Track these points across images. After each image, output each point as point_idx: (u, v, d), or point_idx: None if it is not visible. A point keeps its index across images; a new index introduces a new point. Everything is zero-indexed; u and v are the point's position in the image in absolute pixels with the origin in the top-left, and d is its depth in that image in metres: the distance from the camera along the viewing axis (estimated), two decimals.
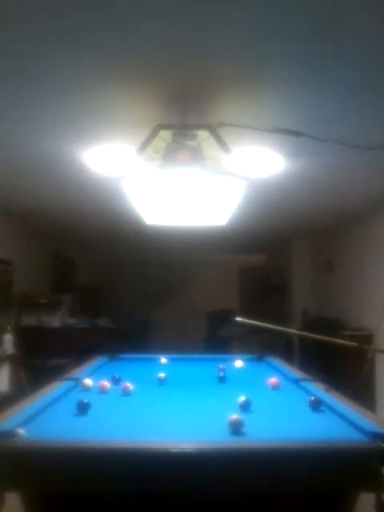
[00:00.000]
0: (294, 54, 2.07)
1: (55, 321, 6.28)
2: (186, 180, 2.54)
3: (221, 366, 3.18)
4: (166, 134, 2.61)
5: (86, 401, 2.14)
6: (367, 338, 5.31)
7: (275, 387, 2.71)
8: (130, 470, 1.53)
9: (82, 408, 2.11)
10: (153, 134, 2.58)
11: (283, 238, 7.80)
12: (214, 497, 1.59)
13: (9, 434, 1.68)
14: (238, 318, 3.03)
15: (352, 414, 2.00)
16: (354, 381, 4.78)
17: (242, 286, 10.79)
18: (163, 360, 3.81)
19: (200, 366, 3.66)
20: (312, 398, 2.27)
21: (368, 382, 5.12)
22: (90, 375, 2.96)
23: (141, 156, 2.80)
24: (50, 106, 2.61)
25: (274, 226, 6.73)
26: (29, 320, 6.02)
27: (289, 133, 2.90)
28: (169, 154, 2.60)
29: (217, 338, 8.62)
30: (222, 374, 2.97)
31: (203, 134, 2.61)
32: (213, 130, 2.59)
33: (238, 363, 3.59)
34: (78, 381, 2.73)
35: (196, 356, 4.18)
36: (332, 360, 5.55)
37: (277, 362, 3.66)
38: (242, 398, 2.16)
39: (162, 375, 2.88)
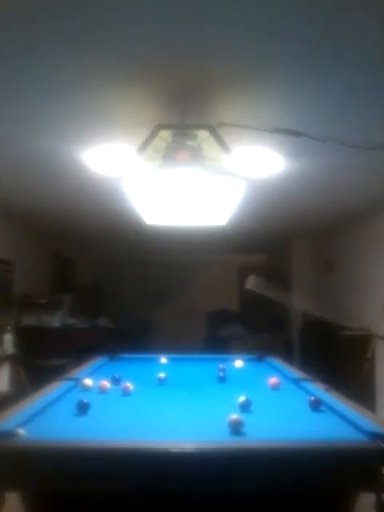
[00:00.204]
0: (294, 53, 2.07)
1: (55, 321, 6.28)
2: (185, 180, 2.54)
3: (221, 366, 3.18)
4: (165, 134, 2.61)
5: (85, 401, 2.14)
6: (367, 338, 5.31)
7: (275, 387, 2.71)
8: (129, 470, 1.53)
9: (82, 408, 2.11)
10: (153, 134, 2.58)
11: (283, 237, 7.80)
12: (214, 497, 1.59)
13: (9, 434, 1.68)
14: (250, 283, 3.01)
15: (352, 414, 2.00)
16: (354, 381, 4.79)
17: (242, 286, 10.78)
18: (163, 360, 3.82)
19: (200, 366, 3.66)
20: (312, 398, 2.27)
21: (368, 382, 5.12)
22: (90, 375, 2.96)
23: (141, 156, 2.80)
24: (49, 106, 2.61)
25: (274, 226, 6.73)
26: (29, 320, 6.02)
27: (289, 133, 2.90)
28: (169, 154, 2.60)
29: (217, 337, 8.61)
30: (221, 373, 2.98)
31: (203, 134, 2.61)
32: (213, 130, 2.59)
33: (238, 363, 3.59)
34: (77, 381, 2.74)
35: (196, 356, 4.19)
36: (332, 360, 5.56)
37: (277, 361, 3.66)
38: (242, 398, 2.16)
39: (162, 375, 2.88)
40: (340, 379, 4.49)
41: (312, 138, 2.98)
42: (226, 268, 10.71)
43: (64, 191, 4.62)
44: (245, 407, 2.13)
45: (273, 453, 1.56)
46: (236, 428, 1.79)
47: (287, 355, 6.52)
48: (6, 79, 2.30)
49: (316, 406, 2.21)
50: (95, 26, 1.88)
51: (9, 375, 4.88)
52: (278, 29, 1.89)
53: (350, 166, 3.71)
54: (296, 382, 2.82)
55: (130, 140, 3.04)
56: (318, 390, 2.50)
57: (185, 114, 2.55)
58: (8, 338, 4.94)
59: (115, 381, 2.74)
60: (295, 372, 3.18)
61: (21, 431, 1.72)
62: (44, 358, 5.72)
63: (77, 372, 3.11)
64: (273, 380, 2.75)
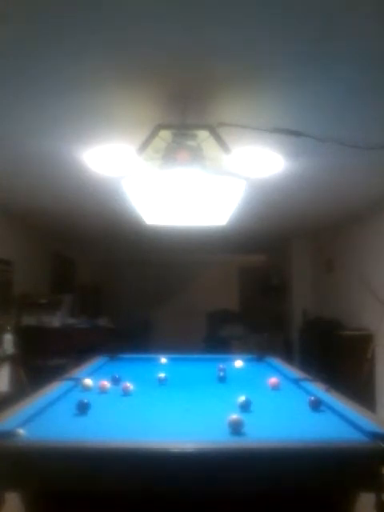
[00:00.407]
0: (294, 53, 2.07)
1: (55, 321, 6.28)
2: (185, 180, 2.54)
3: (221, 365, 3.18)
4: (165, 134, 2.61)
5: (86, 401, 2.14)
6: (367, 338, 5.31)
7: (275, 387, 2.71)
8: (130, 470, 1.53)
9: (82, 408, 2.11)
10: (153, 134, 2.58)
11: (283, 237, 7.80)
12: (214, 497, 1.59)
13: (9, 434, 1.68)
14: None
15: (352, 414, 2.00)
16: (354, 381, 4.79)
17: (241, 286, 10.79)
18: (163, 360, 3.81)
19: (200, 366, 3.66)
20: (312, 398, 2.27)
21: (368, 382, 5.12)
22: (90, 375, 2.96)
23: (141, 156, 2.80)
24: (50, 106, 2.61)
25: (274, 226, 6.73)
26: (29, 320, 6.02)
27: (289, 133, 2.90)
28: (169, 154, 2.60)
29: (217, 337, 8.61)
30: (222, 373, 2.97)
31: (203, 134, 2.61)
32: (213, 130, 2.59)
33: (238, 363, 3.59)
34: (78, 381, 2.73)
35: (196, 356, 4.18)
36: (332, 360, 5.56)
37: (277, 361, 3.66)
38: (242, 398, 2.16)
39: (162, 375, 2.88)
40: (340, 379, 4.50)
41: (312, 138, 2.98)
42: (226, 268, 10.72)
43: (64, 191, 4.62)
44: (245, 407, 2.13)
45: (273, 453, 1.56)
46: (236, 428, 1.79)
47: (287, 355, 6.52)
48: (6, 79, 2.30)
49: (316, 405, 2.21)
50: (95, 26, 1.88)
51: (9, 375, 4.88)
52: (278, 29, 1.89)
53: (350, 166, 3.71)
54: (296, 381, 2.82)
55: (130, 140, 3.04)
56: (318, 390, 2.50)
57: (185, 113, 2.55)
58: (8, 337, 4.93)
59: (115, 381, 2.74)
60: (295, 372, 3.17)
61: (21, 431, 1.72)
62: (44, 358, 5.72)
63: (77, 372, 3.11)
64: (273, 380, 2.75)
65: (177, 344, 6.13)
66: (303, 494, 1.61)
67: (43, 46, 2.00)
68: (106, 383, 2.62)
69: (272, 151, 3.35)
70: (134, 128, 2.86)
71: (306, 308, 7.54)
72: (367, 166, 3.69)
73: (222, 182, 2.63)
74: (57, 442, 1.62)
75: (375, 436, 1.69)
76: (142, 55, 2.09)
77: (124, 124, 2.86)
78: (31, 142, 3.18)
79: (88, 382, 2.66)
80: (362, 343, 5.28)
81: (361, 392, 4.20)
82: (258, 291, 9.48)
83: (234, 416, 1.83)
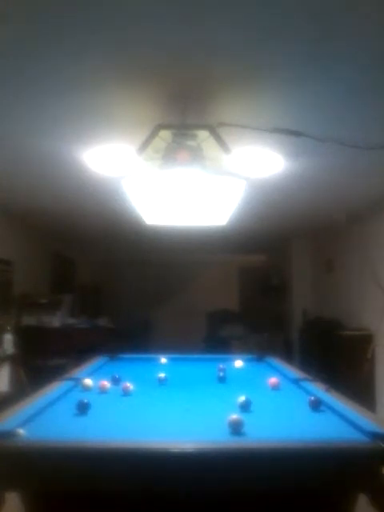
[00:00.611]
0: (294, 53, 2.07)
1: (55, 321, 6.28)
2: (186, 180, 2.54)
3: (221, 366, 3.18)
4: (166, 134, 2.61)
5: (86, 401, 2.14)
6: (367, 338, 5.31)
7: (275, 387, 2.71)
8: (129, 470, 1.53)
9: (82, 408, 2.11)
10: (153, 134, 2.58)
11: (283, 237, 7.80)
12: (214, 497, 1.59)
13: (9, 434, 1.68)
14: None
15: (352, 414, 2.00)
16: (354, 381, 4.79)
17: (241, 286, 10.79)
18: (163, 360, 3.81)
19: (200, 366, 3.66)
20: (312, 398, 2.27)
21: (368, 382, 5.12)
22: (90, 375, 2.96)
23: (141, 156, 2.80)
24: (50, 106, 2.61)
25: (274, 226, 6.73)
26: (29, 320, 6.02)
27: (289, 133, 2.90)
28: (169, 154, 2.60)
29: (217, 337, 8.61)
30: (221, 373, 2.97)
31: (203, 134, 2.61)
32: (213, 130, 2.59)
33: (238, 363, 3.59)
34: (78, 381, 2.73)
35: (196, 356, 4.18)
36: (332, 360, 5.56)
37: (277, 361, 3.66)
38: (242, 398, 2.16)
39: (162, 375, 2.88)
40: (340, 379, 4.50)
41: (312, 138, 2.98)
42: (226, 268, 10.72)
43: (64, 191, 4.62)
44: (245, 407, 2.13)
45: (273, 453, 1.56)
46: (236, 428, 1.79)
47: (287, 355, 6.52)
48: (6, 79, 2.30)
49: (316, 406, 2.21)
50: (95, 26, 1.88)
51: (9, 375, 4.88)
52: (278, 29, 1.89)
53: (349, 166, 3.71)
54: (296, 381, 2.82)
55: (130, 140, 3.04)
56: (318, 390, 2.50)
57: (185, 113, 2.55)
58: (8, 337, 4.94)
59: (115, 381, 2.74)
60: (295, 372, 3.17)
61: (21, 431, 1.71)
62: (44, 358, 5.72)
63: (77, 372, 3.11)
64: (273, 380, 2.75)
65: (177, 344, 6.13)
66: (303, 494, 1.61)
67: (43, 45, 2.00)
68: (106, 383, 2.62)
69: (272, 151, 3.35)
70: (133, 128, 2.86)
71: (306, 308, 7.54)
72: (367, 165, 3.69)
73: (222, 182, 2.63)
74: (57, 442, 1.62)
75: (375, 436, 1.69)
76: (142, 55, 2.09)
77: (124, 124, 2.86)
78: (31, 141, 3.18)
79: (88, 381, 2.66)
80: (362, 343, 5.28)
81: (361, 392, 4.20)
82: (258, 291, 9.49)
83: (234, 416, 1.83)
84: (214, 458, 1.54)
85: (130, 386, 2.55)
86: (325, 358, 5.79)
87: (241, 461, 1.54)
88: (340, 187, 4.45)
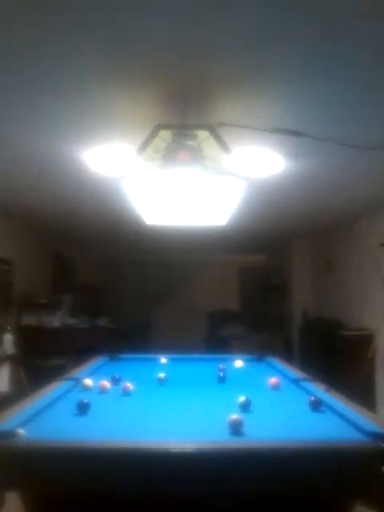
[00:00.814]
0: (294, 53, 2.07)
1: (55, 321, 6.27)
2: (186, 180, 2.54)
3: (221, 366, 3.18)
4: (165, 134, 2.61)
5: (86, 401, 2.14)
6: (367, 338, 5.31)
7: (275, 387, 2.71)
8: (130, 470, 1.53)
9: (82, 408, 2.11)
10: (153, 134, 2.58)
11: (283, 237, 7.80)
12: (214, 497, 1.59)
13: (9, 434, 1.68)
14: None
15: (352, 414, 2.00)
16: (354, 381, 4.79)
17: (241, 286, 10.79)
18: (163, 360, 3.81)
19: (200, 366, 3.66)
20: (312, 398, 2.27)
21: (368, 382, 5.12)
22: (90, 375, 2.96)
23: (141, 156, 2.80)
24: (50, 106, 2.61)
25: (274, 226, 6.73)
26: (29, 320, 6.02)
27: (289, 133, 2.90)
28: (169, 154, 2.60)
29: (217, 338, 8.62)
30: (221, 373, 2.97)
31: (203, 134, 2.61)
32: (213, 130, 2.59)
33: (238, 363, 3.59)
34: (78, 381, 2.73)
35: (196, 356, 4.18)
36: (332, 360, 5.56)
37: (277, 361, 3.66)
38: (242, 398, 2.16)
39: (162, 375, 2.88)
40: (340, 379, 4.49)
41: (312, 138, 2.98)
42: (226, 268, 10.72)
43: (64, 191, 4.62)
44: (245, 407, 2.13)
45: (273, 453, 1.56)
46: (236, 428, 1.79)
47: (287, 355, 6.52)
48: (6, 79, 2.30)
49: (316, 406, 2.21)
50: (95, 26, 1.88)
51: (9, 375, 4.88)
52: (278, 29, 1.89)
53: (349, 165, 3.71)
54: (296, 381, 2.82)
55: (130, 140, 3.04)
56: (318, 390, 2.50)
57: (185, 113, 2.55)
58: (8, 337, 4.93)
59: (115, 381, 2.74)
60: (295, 372, 3.17)
61: (21, 431, 1.72)
62: (44, 358, 5.72)
63: (77, 372, 3.11)
64: (273, 380, 2.75)
65: (177, 344, 6.13)
66: (303, 494, 1.61)
67: (43, 46, 2.00)
68: (106, 383, 2.62)
69: (272, 151, 3.35)
70: (133, 128, 2.86)
71: (306, 308, 7.54)
72: (367, 165, 3.69)
73: (222, 182, 2.63)
74: (57, 442, 1.62)
75: (375, 436, 1.69)
76: (142, 55, 2.09)
77: (124, 124, 2.86)
78: (31, 141, 3.18)
79: (88, 382, 2.66)
80: (362, 343, 5.29)
81: (361, 392, 4.20)
82: (258, 291, 9.49)
83: (234, 416, 1.83)
84: (213, 458, 1.54)
85: (129, 386, 2.56)
86: (325, 358, 5.79)
87: (241, 461, 1.54)
88: (340, 187, 4.45)
